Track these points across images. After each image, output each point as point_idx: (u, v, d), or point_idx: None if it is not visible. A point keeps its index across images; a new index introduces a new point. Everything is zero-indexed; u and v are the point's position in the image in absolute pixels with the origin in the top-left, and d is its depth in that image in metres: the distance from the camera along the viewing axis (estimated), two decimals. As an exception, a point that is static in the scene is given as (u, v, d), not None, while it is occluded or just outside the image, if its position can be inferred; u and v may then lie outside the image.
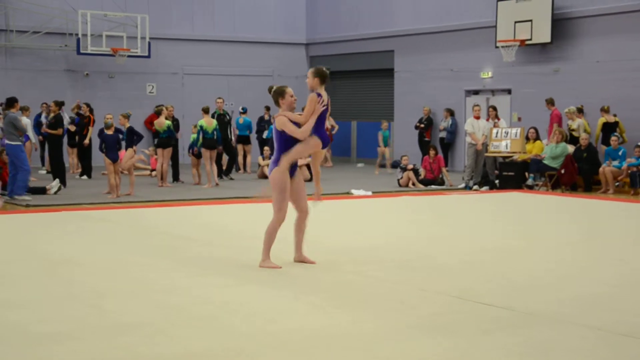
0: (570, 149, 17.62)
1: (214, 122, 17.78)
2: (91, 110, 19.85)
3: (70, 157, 20.43)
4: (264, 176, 18.48)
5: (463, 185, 18.05)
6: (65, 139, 18.86)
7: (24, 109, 19.37)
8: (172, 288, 7.20)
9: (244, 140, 21.06)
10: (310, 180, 12.91)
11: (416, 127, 22.40)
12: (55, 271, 8.02)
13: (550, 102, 18.94)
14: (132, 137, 16.38)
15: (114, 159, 15.20)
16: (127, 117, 16.55)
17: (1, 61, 22.84)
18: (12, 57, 23.08)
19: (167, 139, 17.27)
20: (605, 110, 18.14)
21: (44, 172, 19.99)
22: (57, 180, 16.05)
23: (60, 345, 5.41)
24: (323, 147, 8.06)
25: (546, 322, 6.06)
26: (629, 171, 16.79)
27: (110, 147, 15.29)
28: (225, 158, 19.75)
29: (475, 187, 17.77)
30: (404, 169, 18.39)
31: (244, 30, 26.17)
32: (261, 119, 22.67)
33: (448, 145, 22.38)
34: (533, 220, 12.59)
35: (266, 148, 20.61)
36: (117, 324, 5.93)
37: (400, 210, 13.79)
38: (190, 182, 18.30)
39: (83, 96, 22.70)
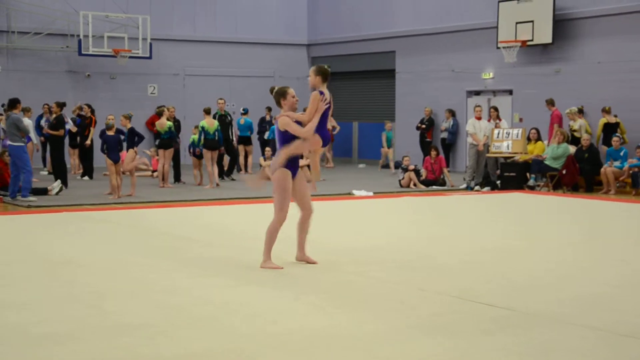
0: (572, 149, 17.62)
1: (216, 122, 17.80)
2: (92, 111, 19.89)
3: (71, 158, 20.43)
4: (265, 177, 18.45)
5: (464, 185, 18.05)
6: (66, 140, 18.87)
7: (26, 110, 19.33)
8: (172, 289, 7.20)
9: (245, 141, 21.07)
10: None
11: (417, 128, 22.40)
12: (56, 272, 8.03)
13: (550, 103, 18.94)
14: (134, 138, 16.39)
15: (116, 159, 15.22)
16: (128, 118, 16.57)
17: (3, 62, 22.85)
18: (14, 58, 23.09)
19: (168, 140, 17.28)
20: (606, 111, 18.13)
21: (46, 173, 20.02)
22: (59, 181, 16.07)
23: (61, 346, 5.42)
24: (323, 145, 8.06)
25: (546, 322, 6.05)
26: (631, 172, 16.78)
27: (112, 148, 15.31)
28: (226, 159, 19.77)
29: (477, 187, 17.77)
30: (405, 170, 18.39)
31: (245, 31, 26.18)
32: (262, 119, 22.67)
33: (449, 145, 22.36)
34: (534, 220, 12.58)
35: (268, 149, 20.61)
36: (118, 325, 5.93)
37: (401, 211, 13.80)
38: (192, 182, 18.31)
39: (84, 97, 22.71)
